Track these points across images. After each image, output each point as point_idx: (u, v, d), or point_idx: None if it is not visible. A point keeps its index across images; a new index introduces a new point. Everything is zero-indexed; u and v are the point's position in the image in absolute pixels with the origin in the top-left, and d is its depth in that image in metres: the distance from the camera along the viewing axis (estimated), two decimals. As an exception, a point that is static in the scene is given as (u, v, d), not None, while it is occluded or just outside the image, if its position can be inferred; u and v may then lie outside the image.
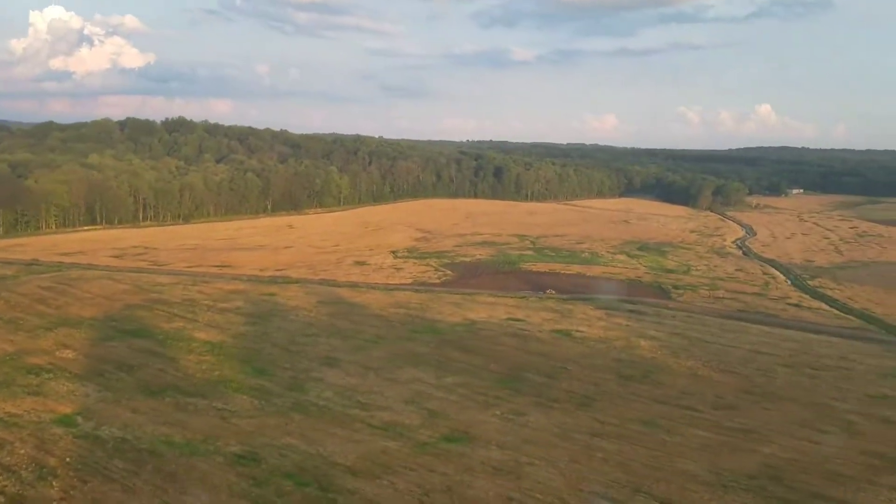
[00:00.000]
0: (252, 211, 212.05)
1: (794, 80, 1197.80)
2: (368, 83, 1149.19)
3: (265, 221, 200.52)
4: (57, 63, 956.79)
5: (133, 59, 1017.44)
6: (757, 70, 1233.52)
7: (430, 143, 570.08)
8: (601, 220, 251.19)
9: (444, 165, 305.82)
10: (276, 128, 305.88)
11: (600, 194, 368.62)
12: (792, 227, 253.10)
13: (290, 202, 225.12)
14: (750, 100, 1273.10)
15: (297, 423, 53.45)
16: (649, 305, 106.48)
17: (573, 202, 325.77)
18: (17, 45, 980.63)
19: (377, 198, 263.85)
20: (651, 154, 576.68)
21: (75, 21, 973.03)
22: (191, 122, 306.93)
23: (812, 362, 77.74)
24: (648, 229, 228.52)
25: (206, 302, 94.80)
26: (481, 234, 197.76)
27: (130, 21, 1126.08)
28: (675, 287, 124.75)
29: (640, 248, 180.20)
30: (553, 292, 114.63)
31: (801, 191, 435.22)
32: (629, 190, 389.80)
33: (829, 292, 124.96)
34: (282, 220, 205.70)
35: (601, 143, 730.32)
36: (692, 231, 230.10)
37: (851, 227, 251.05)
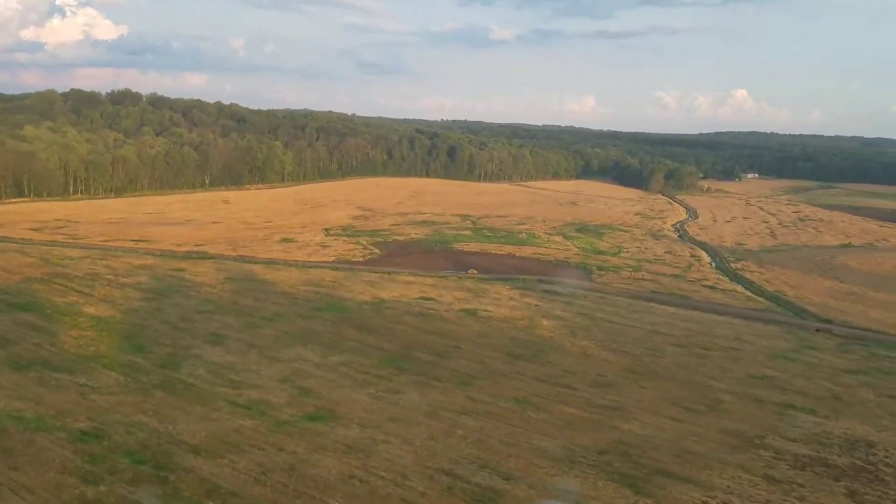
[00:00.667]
0: (189, 185, 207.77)
1: (771, 65, 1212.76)
2: (345, 59, 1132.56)
3: (200, 196, 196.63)
4: (28, 33, 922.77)
5: (106, 30, 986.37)
6: (734, 55, 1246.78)
7: (404, 121, 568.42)
8: (549, 202, 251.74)
9: (396, 143, 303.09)
10: (250, 104, 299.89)
11: (556, 176, 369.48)
12: (735, 210, 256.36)
13: (230, 177, 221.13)
14: (727, 84, 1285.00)
15: (156, 401, 52.35)
16: (566, 286, 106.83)
17: (526, 183, 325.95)
18: None
19: (324, 174, 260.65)
20: (622, 137, 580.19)
21: None
22: (136, 94, 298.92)
23: (705, 343, 78.85)
24: (594, 212, 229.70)
25: (108, 276, 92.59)
26: (423, 214, 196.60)
27: None
28: (600, 268, 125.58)
29: (578, 230, 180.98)
30: (475, 272, 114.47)
31: (756, 175, 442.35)
32: (586, 172, 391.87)
33: (748, 275, 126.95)
34: (218, 195, 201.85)
35: (578, 125, 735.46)
36: (636, 214, 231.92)
37: (795, 212, 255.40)
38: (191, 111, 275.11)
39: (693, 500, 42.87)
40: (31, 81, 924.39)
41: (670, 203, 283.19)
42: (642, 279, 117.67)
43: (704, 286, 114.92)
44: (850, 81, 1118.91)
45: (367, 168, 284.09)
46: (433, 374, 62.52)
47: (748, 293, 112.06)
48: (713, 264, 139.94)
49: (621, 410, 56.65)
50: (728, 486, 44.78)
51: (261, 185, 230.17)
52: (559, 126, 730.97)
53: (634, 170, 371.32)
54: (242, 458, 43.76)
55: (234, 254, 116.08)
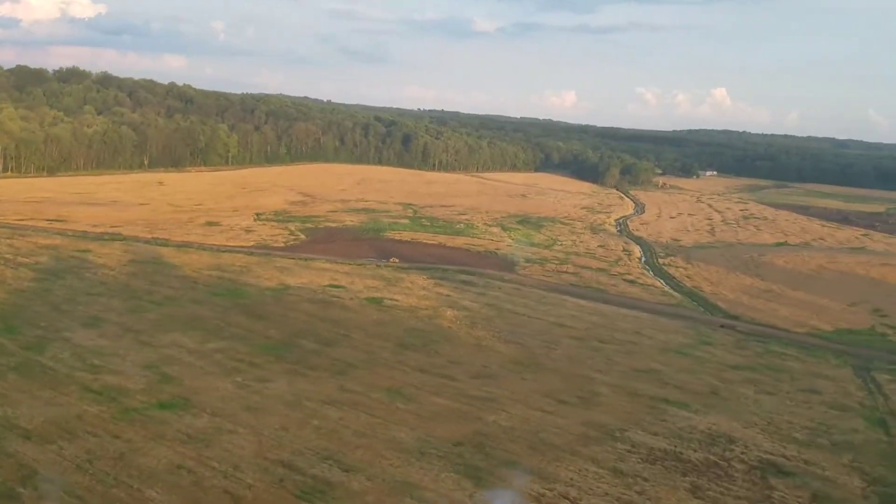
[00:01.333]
0: (126, 166, 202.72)
1: (751, 65, 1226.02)
2: (328, 45, 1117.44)
3: (135, 177, 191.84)
4: (2, 9, 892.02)
5: (83, 8, 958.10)
6: (715, 54, 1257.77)
7: (383, 109, 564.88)
8: (499, 193, 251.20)
9: (349, 130, 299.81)
10: (230, 88, 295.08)
11: (514, 168, 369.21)
12: (683, 207, 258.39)
13: (171, 159, 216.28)
14: (706, 83, 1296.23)
15: (7, 384, 50.53)
16: (485, 277, 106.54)
17: (481, 174, 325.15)
18: None
19: (271, 159, 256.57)
20: (591, 132, 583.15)
21: None
22: (84, 72, 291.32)
23: (604, 336, 79.06)
24: (541, 204, 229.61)
25: (7, 255, 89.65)
26: (366, 201, 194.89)
27: None
28: (527, 260, 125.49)
29: (519, 222, 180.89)
30: (396, 261, 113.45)
31: (715, 173, 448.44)
32: (546, 165, 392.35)
33: (672, 270, 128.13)
34: (155, 176, 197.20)
35: (556, 118, 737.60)
36: (584, 208, 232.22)
37: (741, 210, 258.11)
38: (137, 91, 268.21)
39: (532, 491, 42.52)
40: (5, 58, 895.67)
41: (621, 198, 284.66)
42: (565, 272, 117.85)
43: (625, 280, 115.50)
44: (828, 84, 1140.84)
45: (318, 154, 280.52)
46: (311, 362, 61.42)
47: (666, 288, 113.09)
48: (642, 259, 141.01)
49: (493, 402, 56.26)
50: (571, 479, 44.60)
51: (203, 168, 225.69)
52: (537, 119, 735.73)
53: (591, 164, 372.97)
54: (72, 445, 42.27)
55: (150, 236, 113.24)
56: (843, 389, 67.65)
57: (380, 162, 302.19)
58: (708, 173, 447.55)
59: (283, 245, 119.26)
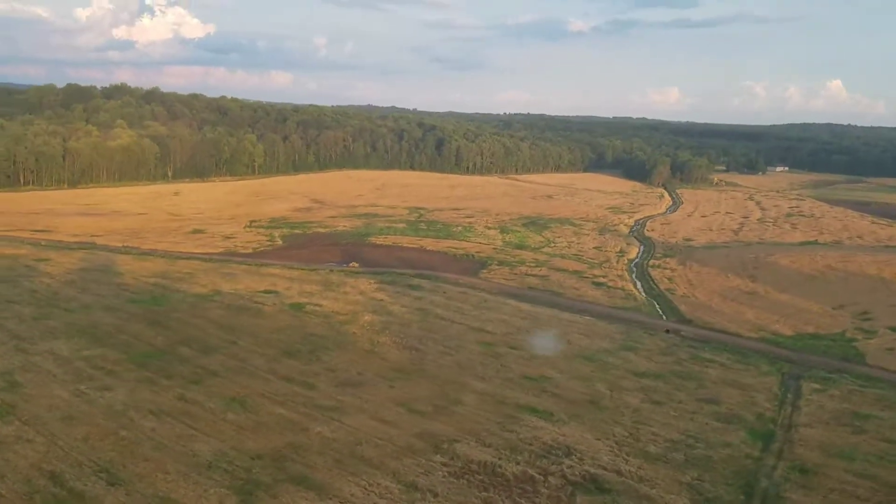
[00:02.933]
0: (150, 177, 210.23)
1: (867, 56, 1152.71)
2: (421, 56, 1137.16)
3: (153, 188, 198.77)
4: (120, 32, 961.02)
5: (193, 29, 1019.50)
6: (826, 45, 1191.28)
7: (473, 115, 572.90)
8: (524, 195, 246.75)
9: (382, 136, 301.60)
10: (328, 102, 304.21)
11: (558, 168, 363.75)
12: (726, 205, 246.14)
13: (195, 169, 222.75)
14: (820, 76, 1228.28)
15: None
16: (440, 281, 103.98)
17: (517, 176, 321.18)
18: (82, 13, 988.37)
19: (299, 167, 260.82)
20: (661, 129, 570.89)
21: None
22: (131, 88, 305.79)
23: (517, 341, 75.38)
24: (564, 205, 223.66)
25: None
26: (375, 206, 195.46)
27: None
28: (500, 262, 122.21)
29: (525, 224, 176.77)
30: (356, 265, 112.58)
31: (786, 169, 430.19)
32: (597, 164, 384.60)
33: (656, 272, 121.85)
34: (173, 187, 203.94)
35: (657, 117, 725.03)
36: (609, 207, 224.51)
37: (791, 206, 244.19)
38: (174, 105, 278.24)
39: (297, 509, 40.36)
40: (124, 79, 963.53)
41: (661, 197, 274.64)
42: (535, 274, 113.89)
43: (594, 283, 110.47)
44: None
45: (347, 161, 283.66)
46: (173, 370, 60.88)
47: (635, 291, 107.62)
48: (635, 261, 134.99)
49: (338, 412, 54.20)
50: (352, 494, 42.16)
51: (227, 178, 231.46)
52: (630, 118, 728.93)
53: (639, 163, 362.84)
54: None
55: (121, 244, 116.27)
56: (750, 399, 61.86)
57: (412, 167, 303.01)
58: (778, 169, 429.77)
59: (251, 251, 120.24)
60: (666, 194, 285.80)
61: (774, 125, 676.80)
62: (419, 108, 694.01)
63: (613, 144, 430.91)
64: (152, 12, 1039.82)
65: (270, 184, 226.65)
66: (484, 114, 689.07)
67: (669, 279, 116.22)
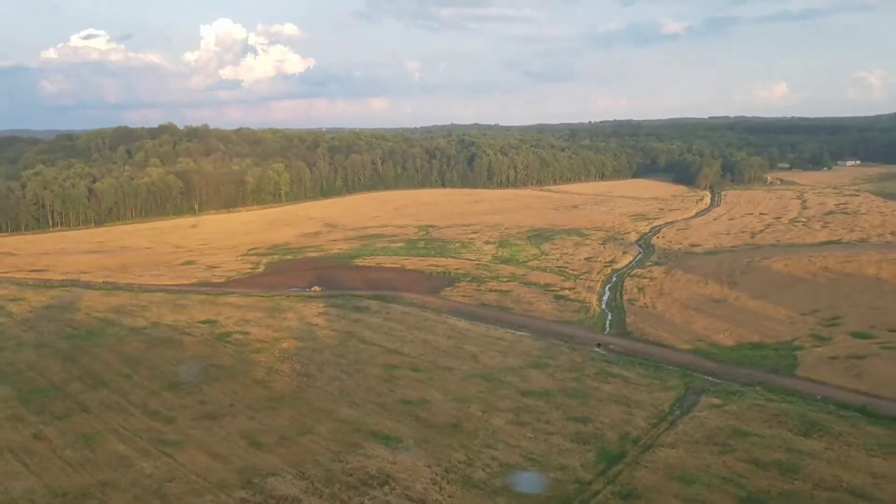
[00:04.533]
0: (176, 212, 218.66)
1: None
2: (513, 71, 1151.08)
3: (174, 222, 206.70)
4: (226, 72, 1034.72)
5: (294, 64, 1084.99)
6: None
7: (566, 125, 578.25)
8: (547, 207, 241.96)
9: (411, 156, 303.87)
10: (423, 123, 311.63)
11: (603, 177, 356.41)
12: (766, 205, 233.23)
13: (221, 201, 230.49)
14: None
15: None
16: (394, 301, 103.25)
17: (551, 187, 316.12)
18: (191, 57, 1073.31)
19: (327, 192, 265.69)
20: (732, 126, 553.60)
21: (240, 32, 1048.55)
22: (176, 128, 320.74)
23: (423, 363, 73.81)
24: (585, 215, 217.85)
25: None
26: (386, 227, 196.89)
27: (289, 29, 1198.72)
28: (473, 279, 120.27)
29: (529, 237, 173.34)
30: (318, 289, 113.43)
31: (858, 162, 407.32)
32: (650, 170, 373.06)
33: (630, 282, 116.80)
34: (195, 220, 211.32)
35: (761, 114, 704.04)
36: (633, 215, 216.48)
37: (838, 203, 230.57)
38: (207, 138, 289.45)
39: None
40: (234, 116, 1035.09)
41: (701, 200, 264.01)
42: (497, 290, 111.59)
43: (557, 296, 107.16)
44: None
45: (377, 183, 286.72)
46: (50, 406, 62.85)
47: (593, 303, 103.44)
48: (620, 270, 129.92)
49: (177, 446, 54.61)
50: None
51: (253, 207, 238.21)
52: (727, 117, 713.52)
53: (685, 165, 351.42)
54: None
55: (101, 280, 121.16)
56: (627, 418, 58.30)
57: (442, 184, 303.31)
58: (849, 163, 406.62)
59: (224, 280, 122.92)
60: (707, 197, 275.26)
61: (880, 115, 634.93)
62: (513, 124, 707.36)
63: (668, 148, 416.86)
64: (255, 52, 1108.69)
65: (293, 210, 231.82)
66: (573, 123, 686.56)
67: (640, 289, 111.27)
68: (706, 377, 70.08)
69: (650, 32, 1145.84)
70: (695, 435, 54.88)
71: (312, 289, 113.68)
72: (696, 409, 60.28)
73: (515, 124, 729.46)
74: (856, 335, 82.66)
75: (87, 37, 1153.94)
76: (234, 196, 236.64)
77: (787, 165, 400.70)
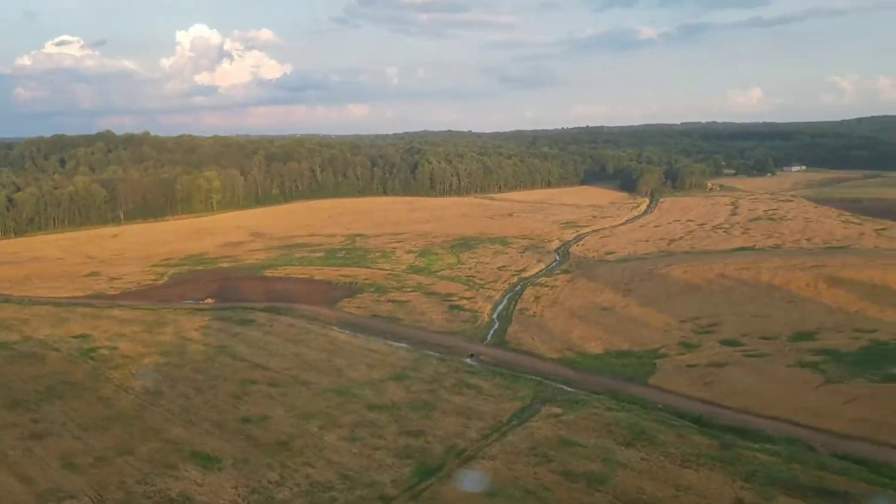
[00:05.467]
0: (100, 221, 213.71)
1: None
2: (492, 77, 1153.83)
3: (95, 231, 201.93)
4: (202, 78, 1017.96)
5: (271, 70, 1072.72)
6: None
7: (540, 132, 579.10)
8: (483, 215, 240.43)
9: (352, 164, 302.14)
10: (403, 129, 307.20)
11: (549, 184, 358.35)
12: (696, 212, 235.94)
13: (148, 210, 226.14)
14: None
15: None
16: (281, 314, 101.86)
17: (494, 195, 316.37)
18: (166, 62, 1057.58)
19: (262, 201, 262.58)
20: (695, 132, 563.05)
21: (216, 37, 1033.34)
22: (114, 135, 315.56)
23: (278, 378, 72.72)
24: (516, 223, 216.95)
25: None
26: (313, 236, 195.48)
27: (266, 34, 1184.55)
28: (376, 290, 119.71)
29: (452, 246, 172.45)
30: (211, 301, 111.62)
31: (803, 168, 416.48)
32: (596, 177, 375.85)
33: (530, 291, 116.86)
34: (118, 229, 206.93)
35: (736, 120, 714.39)
36: (566, 222, 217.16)
37: (767, 210, 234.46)
38: (140, 147, 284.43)
39: None
40: (210, 122, 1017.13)
41: (633, 208, 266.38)
42: (394, 301, 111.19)
43: (452, 306, 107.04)
44: None
45: (316, 191, 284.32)
46: None
47: (485, 313, 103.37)
48: (528, 279, 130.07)
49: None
50: None
51: (182, 216, 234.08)
52: (699, 123, 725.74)
53: (628, 172, 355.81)
54: None
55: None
56: (462, 431, 58.13)
57: (384, 192, 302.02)
58: (795, 169, 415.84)
59: (119, 293, 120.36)
60: (644, 204, 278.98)
61: (844, 121, 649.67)
62: (490, 130, 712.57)
63: (618, 155, 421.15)
64: (231, 57, 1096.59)
65: (222, 220, 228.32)
66: (549, 130, 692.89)
67: (536, 298, 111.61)
68: (561, 386, 70.22)
69: (626, 39, 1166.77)
70: (520, 446, 54.74)
71: (205, 301, 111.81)
72: (534, 420, 60.24)
73: (493, 130, 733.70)
74: (725, 343, 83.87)
75: (61, 43, 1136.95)
76: (163, 205, 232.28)
77: (733, 171, 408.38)
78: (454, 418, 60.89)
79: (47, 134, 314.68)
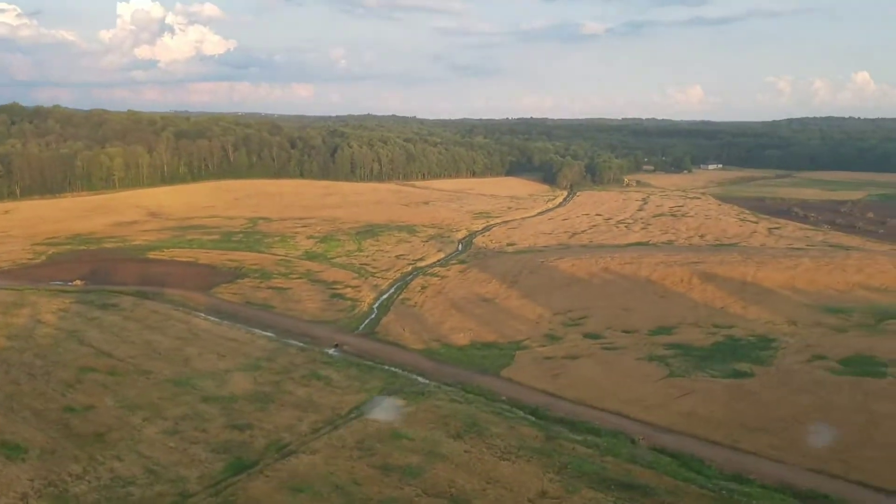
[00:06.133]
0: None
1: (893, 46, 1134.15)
2: (440, 64, 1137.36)
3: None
4: (142, 52, 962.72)
5: (214, 46, 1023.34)
6: (849, 37, 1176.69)
7: (488, 121, 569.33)
8: (398, 203, 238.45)
9: (267, 145, 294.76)
10: (352, 111, 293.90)
11: (474, 174, 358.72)
12: (607, 206, 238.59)
13: (47, 187, 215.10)
14: (845, 68, 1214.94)
15: None
16: (149, 298, 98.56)
17: (416, 183, 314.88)
18: (106, 35, 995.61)
19: (168, 179, 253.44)
20: (630, 128, 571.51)
21: (158, 10, 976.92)
22: (21, 107, 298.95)
23: (125, 368, 69.78)
24: (430, 211, 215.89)
25: None
26: (213, 217, 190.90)
27: (210, 9, 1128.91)
28: (261, 276, 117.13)
29: (358, 232, 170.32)
30: (80, 283, 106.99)
31: (719, 166, 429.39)
32: (522, 168, 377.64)
33: (418, 281, 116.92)
34: (12, 205, 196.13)
35: (663, 116, 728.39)
36: (480, 213, 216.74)
37: (673, 206, 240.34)
38: (45, 121, 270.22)
39: None
40: (151, 97, 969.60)
41: (549, 200, 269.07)
42: (274, 287, 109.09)
43: (334, 294, 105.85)
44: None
45: (227, 171, 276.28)
46: None
47: (366, 302, 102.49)
48: (420, 270, 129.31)
49: None
50: None
51: (83, 193, 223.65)
52: (639, 119, 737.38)
53: (550, 165, 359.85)
54: None
55: None
56: (294, 424, 57.18)
57: (301, 175, 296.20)
58: (711, 167, 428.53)
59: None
60: (561, 197, 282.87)
61: (775, 121, 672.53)
62: (438, 117, 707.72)
63: (544, 147, 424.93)
64: (173, 31, 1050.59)
65: (123, 198, 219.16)
66: (495, 119, 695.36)
67: (423, 288, 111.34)
68: (415, 378, 70.00)
69: (571, 33, 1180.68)
70: (348, 440, 54.05)
71: (74, 283, 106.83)
72: (374, 412, 59.62)
73: (441, 118, 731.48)
74: (588, 335, 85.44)
75: None
76: (61, 181, 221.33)
77: (652, 168, 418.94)
78: (290, 411, 59.70)
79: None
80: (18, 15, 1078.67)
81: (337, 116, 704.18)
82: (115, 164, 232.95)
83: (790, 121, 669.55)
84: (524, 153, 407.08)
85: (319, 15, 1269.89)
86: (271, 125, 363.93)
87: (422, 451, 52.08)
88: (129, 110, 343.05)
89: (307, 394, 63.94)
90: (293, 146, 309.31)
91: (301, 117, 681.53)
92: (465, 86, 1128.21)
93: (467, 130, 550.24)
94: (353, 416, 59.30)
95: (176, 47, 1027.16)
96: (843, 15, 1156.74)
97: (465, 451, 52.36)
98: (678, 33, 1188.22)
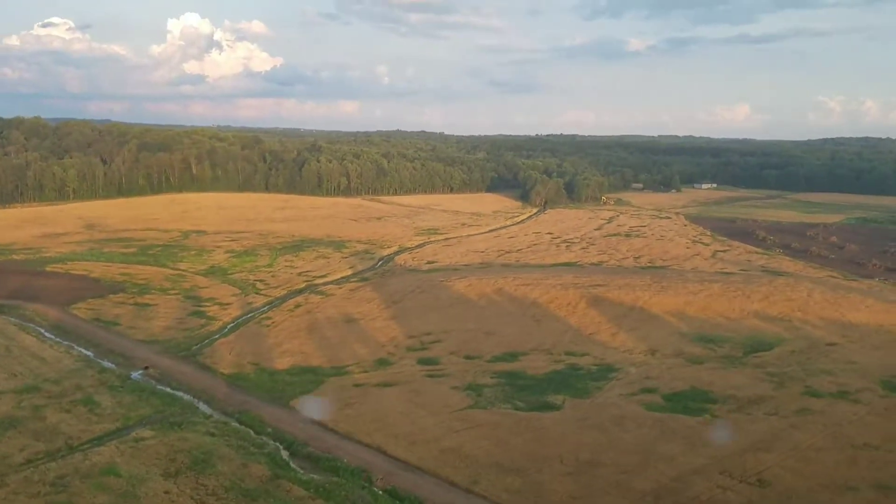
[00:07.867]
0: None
1: None
2: (479, 80, 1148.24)
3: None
4: (191, 67, 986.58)
5: (261, 62, 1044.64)
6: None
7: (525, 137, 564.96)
8: (346, 218, 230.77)
9: (232, 158, 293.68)
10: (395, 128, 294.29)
11: (451, 190, 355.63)
12: (566, 225, 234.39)
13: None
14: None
15: None
16: (2, 313, 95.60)
17: (382, 198, 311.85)
18: (156, 50, 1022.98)
19: (125, 192, 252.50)
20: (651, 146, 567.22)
21: (206, 27, 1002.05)
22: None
23: None
24: (374, 228, 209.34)
25: None
26: (151, 230, 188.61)
27: (257, 26, 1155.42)
28: (138, 290, 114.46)
29: (284, 248, 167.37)
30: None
31: (714, 185, 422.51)
32: (504, 184, 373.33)
33: (300, 298, 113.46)
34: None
35: (699, 134, 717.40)
36: (427, 230, 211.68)
37: (633, 226, 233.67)
38: (10, 132, 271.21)
39: None
40: (199, 112, 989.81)
41: (511, 217, 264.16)
42: (139, 303, 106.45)
43: (195, 312, 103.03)
44: None
45: (191, 185, 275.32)
46: None
47: (220, 322, 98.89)
48: (310, 289, 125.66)
49: None
50: None
51: (33, 204, 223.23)
52: (676, 136, 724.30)
53: (524, 182, 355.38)
54: None
55: None
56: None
57: (266, 189, 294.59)
58: (704, 186, 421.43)
59: None
60: (529, 214, 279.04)
61: (810, 140, 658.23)
62: (475, 133, 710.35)
63: (531, 164, 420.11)
64: (221, 47, 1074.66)
65: (68, 209, 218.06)
66: (533, 136, 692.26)
67: (296, 306, 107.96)
68: (199, 405, 66.26)
69: (613, 49, 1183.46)
70: (50, 474, 50.20)
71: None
72: (110, 443, 55.80)
73: (475, 133, 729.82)
74: (423, 361, 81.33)
75: (47, 24, 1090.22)
76: (12, 192, 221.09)
77: (640, 186, 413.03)
78: (21, 440, 56.05)
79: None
80: (70, 29, 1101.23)
81: (364, 132, 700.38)
82: (69, 176, 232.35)
83: (824, 140, 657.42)
84: (510, 169, 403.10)
85: (364, 33, 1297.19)
86: (248, 139, 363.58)
87: (117, 492, 48.13)
88: (105, 121, 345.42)
89: (58, 421, 60.24)
90: (263, 160, 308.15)
91: (335, 133, 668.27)
92: (504, 102, 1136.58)
93: (472, 147, 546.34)
94: (85, 447, 55.47)
95: (224, 63, 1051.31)
96: (890, 35, 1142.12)
97: (165, 493, 48.36)
98: (723, 51, 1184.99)
